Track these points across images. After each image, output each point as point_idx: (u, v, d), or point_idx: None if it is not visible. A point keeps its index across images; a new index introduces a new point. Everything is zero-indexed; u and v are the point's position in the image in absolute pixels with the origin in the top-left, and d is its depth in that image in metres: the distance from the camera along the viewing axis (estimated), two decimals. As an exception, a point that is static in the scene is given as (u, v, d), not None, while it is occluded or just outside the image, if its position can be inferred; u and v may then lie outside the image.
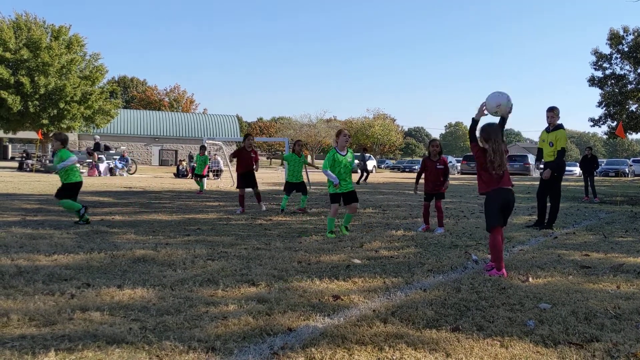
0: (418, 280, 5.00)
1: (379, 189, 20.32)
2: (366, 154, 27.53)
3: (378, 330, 3.52)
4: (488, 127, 5.49)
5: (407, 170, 53.27)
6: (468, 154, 63.59)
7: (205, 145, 18.81)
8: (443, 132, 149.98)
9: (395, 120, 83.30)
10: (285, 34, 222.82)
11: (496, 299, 4.34)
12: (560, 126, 8.89)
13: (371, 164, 50.37)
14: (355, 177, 25.91)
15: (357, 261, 5.79)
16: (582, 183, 17.20)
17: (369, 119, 75.13)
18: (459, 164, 47.72)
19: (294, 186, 11.13)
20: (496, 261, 5.27)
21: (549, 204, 9.03)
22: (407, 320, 3.77)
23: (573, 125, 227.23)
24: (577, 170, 47.21)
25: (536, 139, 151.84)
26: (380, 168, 62.14)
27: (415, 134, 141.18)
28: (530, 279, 5.06)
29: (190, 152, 39.93)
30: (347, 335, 3.41)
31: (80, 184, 8.85)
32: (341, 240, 7.24)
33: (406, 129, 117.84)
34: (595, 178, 17.66)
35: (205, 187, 18.01)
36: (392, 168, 63.07)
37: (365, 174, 25.94)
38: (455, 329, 3.59)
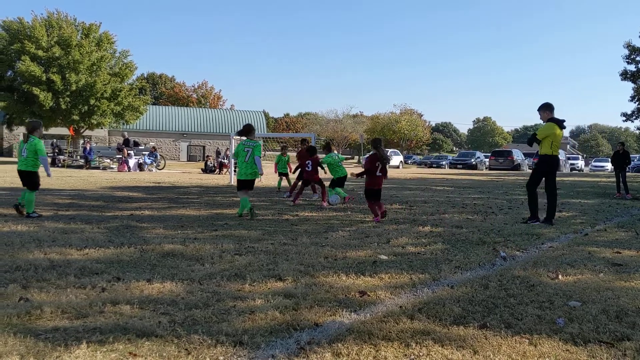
0: (445, 276, 4.97)
1: (405, 184, 20.21)
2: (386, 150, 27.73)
3: (404, 327, 3.51)
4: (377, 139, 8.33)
5: (434, 165, 52.89)
6: (496, 149, 62.93)
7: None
8: (471, 127, 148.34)
9: (422, 115, 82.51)
10: (312, 29, 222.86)
11: (525, 296, 4.29)
12: (550, 120, 8.85)
13: (398, 159, 50.27)
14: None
15: (383, 257, 5.78)
16: (614, 179, 16.85)
17: (396, 114, 74.61)
18: (487, 160, 47.13)
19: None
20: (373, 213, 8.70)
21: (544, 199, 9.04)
22: (434, 316, 3.75)
23: (605, 120, 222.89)
24: (609, 166, 46.36)
25: (566, 133, 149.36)
26: (407, 164, 61.77)
27: (443, 129, 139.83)
28: (560, 277, 4.99)
29: (218, 148, 40.22)
30: (374, 331, 3.41)
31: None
32: (368, 236, 7.23)
33: (433, 125, 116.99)
34: (628, 174, 17.28)
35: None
36: (419, 164, 62.72)
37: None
38: (483, 326, 3.56)
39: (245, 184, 9.33)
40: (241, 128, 9.56)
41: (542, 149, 8.83)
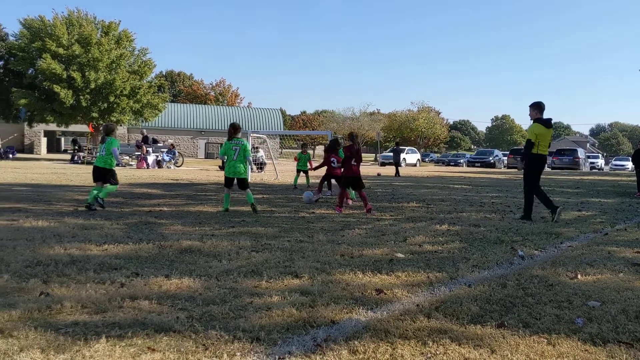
0: (462, 275, 4.94)
1: (423, 182, 20.12)
2: (400, 148, 29.06)
3: (421, 325, 3.51)
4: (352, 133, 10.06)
5: (452, 164, 52.58)
6: (515, 147, 62.37)
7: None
8: (489, 125, 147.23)
9: (440, 113, 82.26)
10: (329, 25, 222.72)
11: (543, 296, 4.26)
12: (536, 120, 9.02)
13: (415, 157, 50.04)
14: (385, 171, 25.80)
15: (400, 255, 5.77)
16: (635, 178, 16.60)
17: (413, 112, 74.38)
18: (506, 158, 46.73)
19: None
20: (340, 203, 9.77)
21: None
22: (451, 315, 3.74)
23: (626, 118, 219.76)
24: (630, 164, 45.71)
25: (586, 132, 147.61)
26: (425, 162, 61.49)
27: (461, 127, 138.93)
28: (579, 276, 4.94)
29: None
30: (390, 329, 3.41)
31: None
32: (384, 234, 7.22)
33: (451, 122, 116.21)
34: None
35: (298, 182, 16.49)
36: (437, 162, 62.40)
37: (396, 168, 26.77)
38: (501, 325, 3.54)
39: (239, 183, 9.73)
40: (228, 127, 10.08)
41: (534, 148, 8.99)
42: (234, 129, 9.82)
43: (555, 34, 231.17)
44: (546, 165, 11.70)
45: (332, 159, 11.73)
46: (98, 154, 9.95)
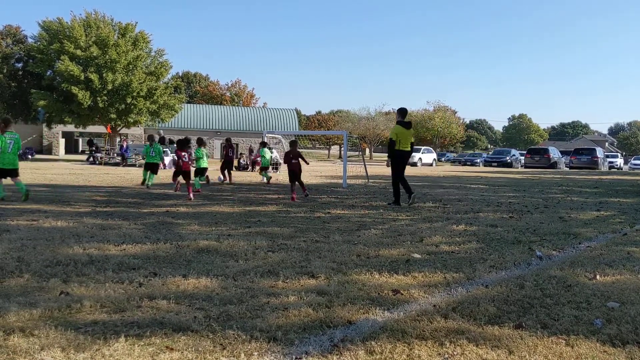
0: (480, 276, 4.92)
1: (439, 182, 20.04)
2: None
3: (438, 326, 3.50)
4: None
5: (468, 163, 52.25)
6: (532, 147, 61.81)
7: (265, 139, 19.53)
8: (506, 124, 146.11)
9: (456, 112, 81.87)
10: (343, 25, 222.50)
11: (561, 297, 4.22)
12: (398, 123, 11.26)
13: (431, 157, 49.84)
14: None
15: (417, 256, 5.75)
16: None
17: (429, 111, 74.11)
18: (523, 158, 46.31)
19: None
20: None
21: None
22: (469, 316, 3.72)
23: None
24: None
25: (605, 131, 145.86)
26: (441, 161, 61.22)
27: (477, 126, 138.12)
28: (598, 277, 4.89)
29: (251, 146, 40.57)
30: (407, 329, 3.40)
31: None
32: (401, 234, 7.20)
33: (467, 122, 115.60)
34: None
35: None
36: (453, 161, 62.09)
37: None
38: (519, 326, 3.52)
39: (11, 173, 10.70)
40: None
41: (396, 145, 11.04)
42: (5, 124, 10.76)
43: (575, 32, 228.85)
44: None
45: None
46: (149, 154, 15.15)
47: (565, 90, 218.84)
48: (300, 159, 12.91)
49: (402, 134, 11.08)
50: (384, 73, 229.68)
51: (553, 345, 3.21)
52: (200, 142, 15.45)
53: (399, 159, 11.15)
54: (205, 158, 15.38)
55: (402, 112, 11.49)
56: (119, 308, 3.72)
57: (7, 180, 10.57)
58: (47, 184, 15.01)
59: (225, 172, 18.64)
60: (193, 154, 14.69)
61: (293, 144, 13.13)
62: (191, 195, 11.70)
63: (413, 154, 44.36)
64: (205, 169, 15.45)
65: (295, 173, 12.68)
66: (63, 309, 3.67)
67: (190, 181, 12.57)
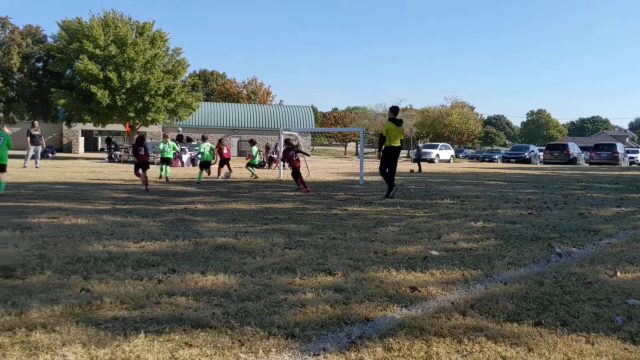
0: (498, 273, 4.88)
1: (457, 179, 19.92)
2: (419, 144, 30.33)
3: (457, 323, 3.48)
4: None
5: (486, 160, 51.81)
6: (551, 142, 61.14)
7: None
8: (524, 119, 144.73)
9: (474, 108, 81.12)
10: (359, 22, 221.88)
11: (581, 294, 4.18)
12: (389, 119, 11.85)
13: (448, 153, 49.53)
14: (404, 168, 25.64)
15: (434, 253, 5.73)
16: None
17: (447, 107, 73.56)
18: (542, 154, 45.82)
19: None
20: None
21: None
22: (487, 313, 3.70)
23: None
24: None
25: (625, 126, 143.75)
26: (459, 158, 60.81)
27: (495, 122, 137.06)
28: (619, 274, 4.83)
29: (268, 143, 40.63)
30: (425, 326, 3.39)
31: None
32: (418, 231, 7.18)
33: (485, 117, 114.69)
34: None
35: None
36: (471, 158, 61.64)
37: (418, 164, 26.76)
38: (538, 323, 3.49)
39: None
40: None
41: (386, 141, 11.67)
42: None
43: (592, 26, 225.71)
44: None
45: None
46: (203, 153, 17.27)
47: (585, 85, 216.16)
48: (300, 154, 14.36)
49: (392, 131, 11.64)
50: (403, 72, 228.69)
51: (573, 343, 3.18)
52: (204, 139, 18.08)
53: (389, 153, 11.77)
54: (207, 153, 17.46)
55: (394, 109, 12.18)
56: (139, 304, 3.76)
57: (9, 178, 10.85)
58: (67, 182, 15.20)
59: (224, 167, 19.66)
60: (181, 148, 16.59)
61: (288, 142, 14.67)
62: (146, 187, 13.15)
63: (430, 150, 44.23)
64: (207, 163, 17.68)
65: (297, 169, 14.09)
66: (84, 305, 3.72)
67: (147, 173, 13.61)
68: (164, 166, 17.29)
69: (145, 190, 12.81)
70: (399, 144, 11.88)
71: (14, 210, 8.60)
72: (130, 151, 34.67)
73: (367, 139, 48.71)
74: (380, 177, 12.25)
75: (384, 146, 11.76)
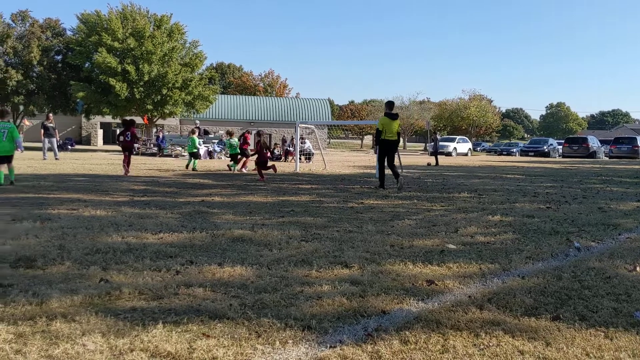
0: (516, 267, 4.85)
1: (474, 172, 19.79)
2: (438, 137, 29.63)
3: (474, 317, 3.47)
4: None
5: (504, 153, 51.38)
6: (570, 136, 60.42)
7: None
8: (543, 112, 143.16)
9: (492, 101, 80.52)
10: (376, 15, 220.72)
11: (600, 289, 4.14)
12: (385, 114, 12.39)
13: (466, 146, 49.20)
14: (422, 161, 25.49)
15: (451, 246, 5.70)
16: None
17: (465, 100, 73.06)
18: (560, 147, 45.31)
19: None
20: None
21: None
22: (504, 307, 3.68)
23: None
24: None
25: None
26: (476, 151, 60.37)
27: (514, 115, 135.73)
28: (638, 269, 4.77)
29: (284, 136, 40.72)
30: (442, 320, 3.38)
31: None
32: (435, 225, 7.15)
33: (503, 110, 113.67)
34: None
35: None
36: (489, 151, 61.17)
37: (435, 157, 26.59)
38: (556, 317, 3.47)
39: (6, 159, 11.45)
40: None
41: (381, 135, 12.19)
42: (1, 115, 11.66)
43: (610, 21, 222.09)
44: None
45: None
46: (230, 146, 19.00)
47: (606, 78, 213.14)
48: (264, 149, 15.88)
49: (387, 125, 12.19)
50: (421, 67, 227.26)
51: (591, 338, 3.15)
52: (193, 132, 19.88)
53: (384, 146, 12.34)
54: (195, 144, 19.20)
55: (390, 104, 12.66)
56: (157, 295, 3.80)
57: (29, 170, 10.94)
58: (86, 174, 15.37)
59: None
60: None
61: (259, 135, 16.19)
62: (126, 170, 14.95)
63: (448, 143, 44.00)
64: (195, 153, 19.17)
65: (266, 161, 15.74)
66: (103, 295, 3.76)
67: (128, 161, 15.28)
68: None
69: (124, 174, 14.73)
70: (396, 137, 12.37)
71: (35, 201, 8.72)
72: (148, 143, 35.01)
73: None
74: (388, 170, 12.44)
75: (380, 139, 12.29)
